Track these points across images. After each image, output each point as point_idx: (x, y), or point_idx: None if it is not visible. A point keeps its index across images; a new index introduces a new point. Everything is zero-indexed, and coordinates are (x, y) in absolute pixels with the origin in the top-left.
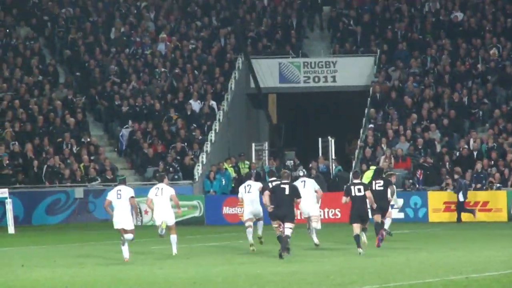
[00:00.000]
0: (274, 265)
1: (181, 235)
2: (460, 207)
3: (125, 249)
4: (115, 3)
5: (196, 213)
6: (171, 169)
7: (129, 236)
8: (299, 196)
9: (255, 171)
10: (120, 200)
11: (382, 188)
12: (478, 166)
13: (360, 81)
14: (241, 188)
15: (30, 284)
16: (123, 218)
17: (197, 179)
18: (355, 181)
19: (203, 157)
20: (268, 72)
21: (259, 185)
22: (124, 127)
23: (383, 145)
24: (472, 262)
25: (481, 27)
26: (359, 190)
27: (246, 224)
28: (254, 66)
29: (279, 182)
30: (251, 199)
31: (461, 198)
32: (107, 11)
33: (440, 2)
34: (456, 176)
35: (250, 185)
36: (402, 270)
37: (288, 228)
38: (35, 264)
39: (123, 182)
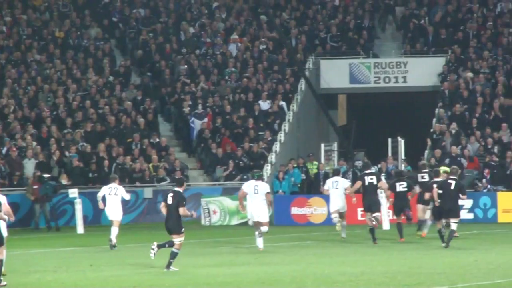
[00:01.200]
0: (343, 265)
1: (249, 235)
2: None
3: (260, 241)
4: (186, 4)
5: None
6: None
7: (264, 228)
8: (464, 193)
9: (323, 171)
10: (257, 195)
11: (405, 189)
12: None
13: (431, 81)
14: (329, 182)
15: (99, 284)
16: (259, 212)
17: (266, 179)
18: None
19: (272, 157)
20: (338, 72)
21: (346, 182)
22: (193, 113)
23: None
24: None
25: None
26: (402, 186)
27: (333, 216)
28: (324, 67)
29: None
30: (338, 194)
31: None
32: (177, 12)
33: None
34: None
35: (338, 181)
36: (471, 271)
37: (453, 223)
38: (104, 264)
39: (260, 178)
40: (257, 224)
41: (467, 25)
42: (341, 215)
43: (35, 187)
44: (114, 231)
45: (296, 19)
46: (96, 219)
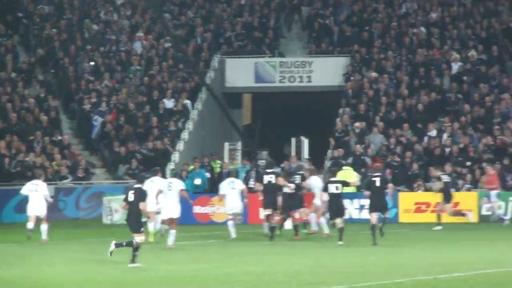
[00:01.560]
0: (245, 264)
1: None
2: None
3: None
4: (91, 1)
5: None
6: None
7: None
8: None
9: (227, 170)
10: (170, 191)
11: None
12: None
13: (335, 81)
14: (225, 184)
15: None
16: (171, 208)
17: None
18: (332, 179)
19: (176, 156)
20: (243, 71)
21: (242, 184)
22: (97, 111)
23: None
24: (441, 263)
25: (457, 27)
26: (336, 187)
27: (230, 217)
28: (229, 65)
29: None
30: (234, 195)
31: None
32: (82, 9)
33: (418, 3)
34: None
35: (234, 181)
36: (371, 270)
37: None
38: (5, 262)
39: (175, 175)
40: (167, 221)
41: (372, 25)
42: (237, 215)
43: None
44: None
45: (202, 17)
46: None
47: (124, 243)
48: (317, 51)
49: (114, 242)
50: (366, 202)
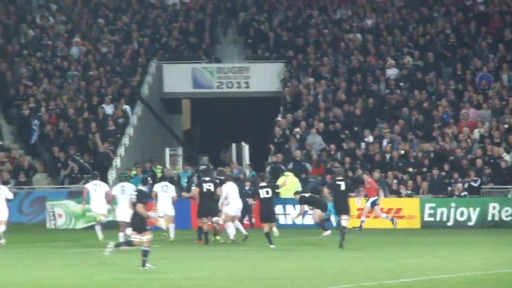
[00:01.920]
0: (189, 270)
1: (95, 238)
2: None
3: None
4: (26, 7)
5: (110, 217)
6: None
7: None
8: (353, 191)
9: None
10: (123, 195)
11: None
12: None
13: (273, 86)
14: (158, 186)
15: None
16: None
17: (111, 183)
18: (262, 184)
19: (117, 161)
20: (181, 77)
21: (174, 189)
22: (36, 115)
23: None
24: (386, 269)
25: (392, 33)
26: (267, 192)
27: (162, 220)
28: (166, 71)
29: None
30: (166, 198)
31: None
32: (18, 14)
33: (352, 9)
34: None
35: (167, 185)
36: (316, 276)
37: (344, 220)
38: None
39: (126, 179)
40: (123, 226)
41: (308, 31)
42: (170, 219)
43: None
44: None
45: (138, 22)
46: None
47: (122, 243)
48: (253, 57)
49: (112, 243)
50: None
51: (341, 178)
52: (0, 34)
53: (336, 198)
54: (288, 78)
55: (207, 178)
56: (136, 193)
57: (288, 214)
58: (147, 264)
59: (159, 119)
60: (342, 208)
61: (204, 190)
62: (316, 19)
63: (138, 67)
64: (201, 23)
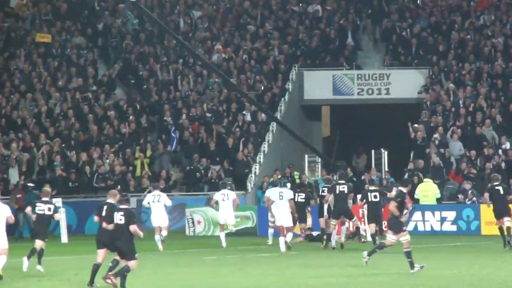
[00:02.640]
0: (327, 275)
1: (234, 245)
2: None
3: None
4: (169, 14)
5: (249, 224)
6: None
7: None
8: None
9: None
10: (281, 200)
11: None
12: None
13: (414, 93)
14: (219, 196)
15: None
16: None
17: (250, 190)
18: (371, 188)
19: (256, 168)
20: (321, 84)
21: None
22: (172, 131)
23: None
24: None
25: None
26: (375, 196)
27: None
28: (307, 78)
29: None
30: (227, 206)
31: None
32: (161, 21)
33: (495, 14)
34: None
35: (227, 194)
36: (455, 283)
37: (507, 221)
38: (88, 273)
39: (284, 185)
40: (282, 229)
41: (451, 37)
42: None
43: (18, 196)
44: (164, 233)
45: (279, 29)
46: (80, 228)
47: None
48: (394, 63)
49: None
50: (448, 214)
51: (498, 183)
52: (143, 42)
53: (496, 203)
54: (430, 84)
55: (342, 181)
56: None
57: (427, 221)
58: (415, 265)
59: (291, 132)
60: (503, 211)
61: (337, 192)
62: (459, 24)
63: (279, 74)
64: (343, 30)
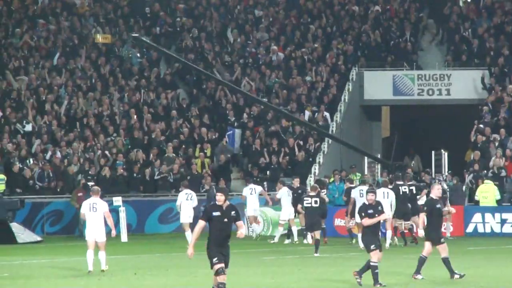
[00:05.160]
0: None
1: (292, 245)
2: None
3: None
4: (231, 12)
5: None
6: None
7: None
8: None
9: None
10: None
11: None
12: None
13: (474, 94)
14: (247, 190)
15: None
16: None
17: (308, 189)
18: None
19: (315, 168)
20: (381, 84)
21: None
22: (229, 129)
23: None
24: None
25: None
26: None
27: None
28: (367, 78)
29: None
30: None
31: None
32: (221, 20)
33: None
34: None
35: (254, 188)
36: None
37: None
38: (148, 273)
39: (364, 183)
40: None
41: None
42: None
43: (80, 194)
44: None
45: (339, 29)
46: (140, 227)
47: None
48: (455, 64)
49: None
50: (509, 216)
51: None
52: (205, 40)
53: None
54: (492, 85)
55: (400, 182)
56: None
57: (487, 223)
58: (456, 272)
59: (343, 142)
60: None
61: (400, 193)
62: None
63: (338, 74)
64: (403, 30)
